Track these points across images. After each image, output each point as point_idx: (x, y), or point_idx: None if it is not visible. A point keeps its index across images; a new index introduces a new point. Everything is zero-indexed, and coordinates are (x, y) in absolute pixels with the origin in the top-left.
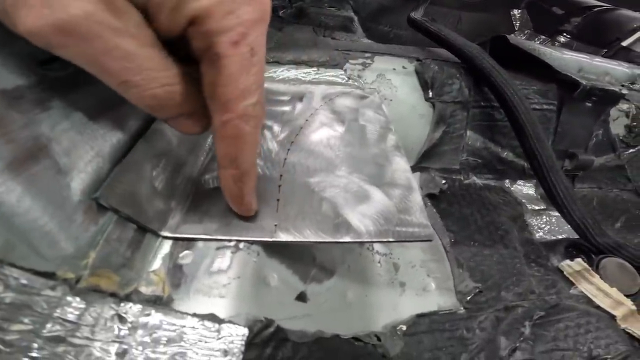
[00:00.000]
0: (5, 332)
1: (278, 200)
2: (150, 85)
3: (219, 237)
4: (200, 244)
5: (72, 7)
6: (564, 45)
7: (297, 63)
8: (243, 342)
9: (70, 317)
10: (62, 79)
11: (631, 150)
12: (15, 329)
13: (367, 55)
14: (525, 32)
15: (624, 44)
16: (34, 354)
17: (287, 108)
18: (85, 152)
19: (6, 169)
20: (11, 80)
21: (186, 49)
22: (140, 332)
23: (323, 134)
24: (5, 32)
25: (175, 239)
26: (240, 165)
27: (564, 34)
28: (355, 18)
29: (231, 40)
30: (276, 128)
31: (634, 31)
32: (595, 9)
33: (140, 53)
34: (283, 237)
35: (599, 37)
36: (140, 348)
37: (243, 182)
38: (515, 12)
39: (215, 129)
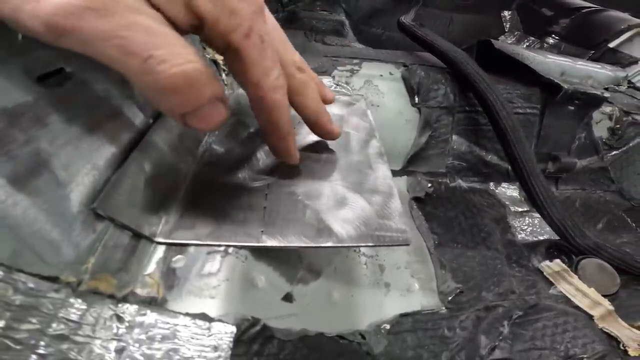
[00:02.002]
0: (16, 331)
1: (265, 208)
2: (177, 60)
3: (210, 243)
4: (192, 249)
5: None
6: (553, 47)
7: None
8: (231, 339)
9: (73, 317)
10: (59, 94)
11: (614, 152)
12: (24, 328)
13: (355, 61)
14: (515, 33)
15: (611, 45)
16: (41, 351)
17: None
18: (82, 165)
19: (11, 183)
20: (12, 98)
21: None
22: (137, 330)
23: (309, 141)
24: (4, 48)
25: (169, 245)
26: (282, 128)
27: (553, 35)
28: (347, 22)
29: (243, 34)
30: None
31: (621, 32)
32: (583, 10)
33: (160, 28)
34: (269, 242)
35: (587, 38)
36: (137, 345)
37: (287, 140)
38: (506, 13)
39: (254, 105)
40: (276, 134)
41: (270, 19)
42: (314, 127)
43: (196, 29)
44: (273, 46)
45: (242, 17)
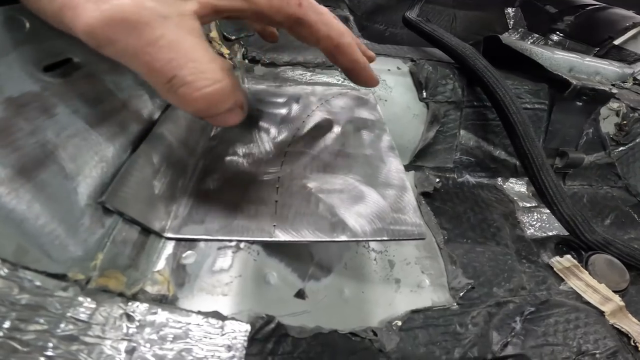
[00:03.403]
0: (22, 332)
1: (276, 201)
2: (201, 82)
3: (221, 238)
4: (202, 244)
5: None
6: (557, 44)
7: (293, 64)
8: (246, 338)
9: (82, 316)
10: (66, 85)
11: (621, 148)
12: (32, 329)
13: None
14: (519, 30)
15: (616, 42)
16: (50, 353)
17: (283, 110)
18: (90, 157)
19: (15, 176)
20: (17, 87)
21: None
22: (147, 330)
23: (319, 135)
24: (11, 37)
25: (178, 240)
26: (360, 61)
27: (557, 32)
28: (351, 17)
29: (296, 4)
30: (273, 130)
31: (626, 30)
32: (588, 8)
33: (184, 41)
34: (281, 237)
35: (592, 35)
36: (148, 345)
37: (367, 69)
38: (509, 10)
39: (333, 55)
40: (357, 67)
41: None
42: (359, 74)
43: (256, 14)
44: (316, 4)
45: None
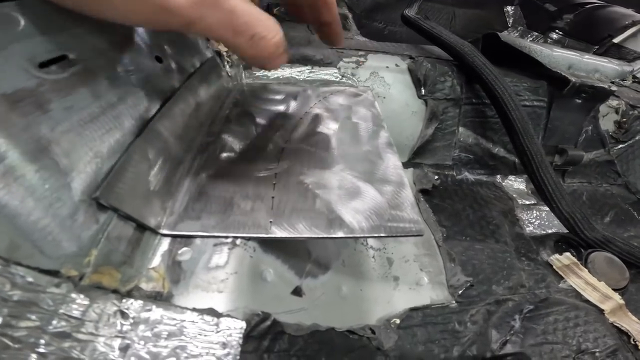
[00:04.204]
0: (13, 328)
1: (273, 197)
2: (271, 34)
3: (216, 234)
4: (198, 240)
5: None
6: (556, 42)
7: (291, 62)
8: (241, 335)
9: (75, 313)
10: (61, 81)
11: (621, 146)
12: (23, 326)
13: (360, 53)
14: (518, 28)
15: (616, 40)
16: (42, 350)
17: (281, 107)
18: (84, 153)
19: (8, 171)
20: (11, 83)
21: None
22: (142, 327)
23: (317, 131)
24: (4, 35)
25: (174, 236)
26: (337, 18)
27: (557, 30)
28: (350, 15)
29: None
30: (270, 126)
31: (625, 28)
32: (587, 6)
33: (248, 7)
34: (278, 233)
35: (591, 33)
36: (142, 342)
37: (340, 26)
38: (509, 8)
39: (319, 8)
40: (336, 21)
41: None
42: (335, 29)
43: None
44: None
45: None
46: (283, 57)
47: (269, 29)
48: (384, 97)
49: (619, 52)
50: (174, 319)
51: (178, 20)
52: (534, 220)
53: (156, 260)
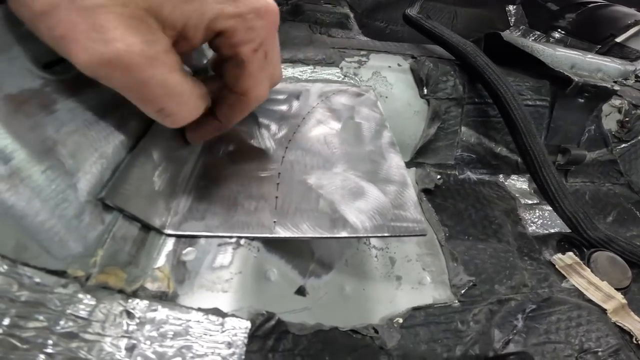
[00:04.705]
0: (22, 329)
1: (277, 197)
2: (183, 113)
3: (221, 234)
4: (202, 240)
5: (116, 42)
6: (559, 41)
7: (293, 61)
8: (246, 335)
9: (82, 313)
10: (66, 81)
11: (623, 145)
12: (31, 326)
13: (362, 53)
14: (520, 28)
15: (618, 40)
16: (50, 350)
17: (284, 107)
18: (90, 153)
19: (15, 172)
20: (17, 84)
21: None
22: (147, 327)
23: (320, 131)
24: (11, 34)
25: (179, 236)
26: (236, 118)
27: (559, 29)
28: (351, 15)
29: (251, 49)
30: (273, 127)
31: (627, 27)
32: (589, 5)
33: (170, 78)
34: (282, 233)
35: (594, 33)
36: (148, 342)
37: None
38: (511, 7)
39: (229, 100)
40: (234, 121)
41: None
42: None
43: (209, 40)
44: (275, 62)
45: (257, 34)
46: (196, 135)
47: (183, 105)
48: (387, 97)
49: (621, 52)
50: (180, 319)
51: (82, 71)
52: (536, 219)
53: (161, 260)
